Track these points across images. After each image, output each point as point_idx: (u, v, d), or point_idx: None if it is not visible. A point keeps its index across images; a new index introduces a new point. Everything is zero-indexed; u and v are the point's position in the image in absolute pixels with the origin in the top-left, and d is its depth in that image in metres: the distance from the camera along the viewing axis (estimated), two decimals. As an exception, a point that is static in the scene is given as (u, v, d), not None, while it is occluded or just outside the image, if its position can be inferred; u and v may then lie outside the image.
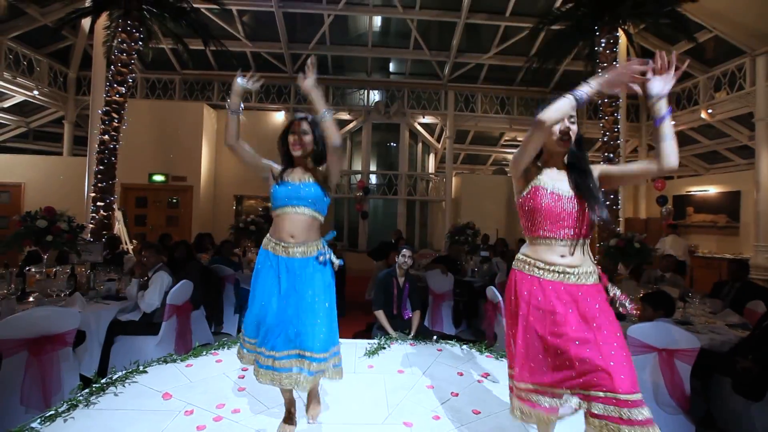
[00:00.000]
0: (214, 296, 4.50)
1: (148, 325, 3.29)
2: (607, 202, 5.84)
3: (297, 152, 1.77)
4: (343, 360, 1.79)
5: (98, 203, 5.54)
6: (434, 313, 4.86)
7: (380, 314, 3.48)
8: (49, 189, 8.82)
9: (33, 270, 3.58)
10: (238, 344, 1.80)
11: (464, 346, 3.09)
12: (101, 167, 5.60)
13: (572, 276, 1.41)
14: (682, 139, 10.34)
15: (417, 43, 9.30)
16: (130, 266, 4.33)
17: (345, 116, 10.50)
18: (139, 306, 3.34)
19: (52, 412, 1.88)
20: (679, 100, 9.29)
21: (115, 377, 2.26)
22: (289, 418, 1.82)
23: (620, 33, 6.04)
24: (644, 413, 1.22)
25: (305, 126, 1.77)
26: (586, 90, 1.33)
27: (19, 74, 8.21)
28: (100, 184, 5.59)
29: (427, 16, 8.73)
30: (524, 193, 1.49)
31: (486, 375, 2.57)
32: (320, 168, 1.82)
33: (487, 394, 2.31)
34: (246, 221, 5.78)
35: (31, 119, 10.04)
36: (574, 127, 1.46)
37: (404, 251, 3.64)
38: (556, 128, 1.45)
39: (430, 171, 11.27)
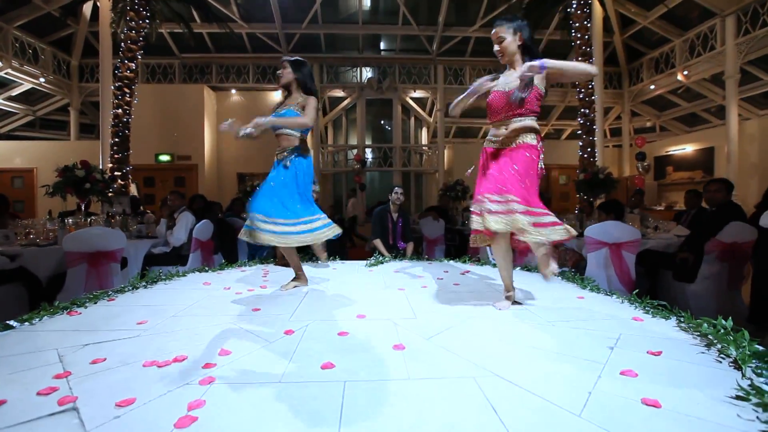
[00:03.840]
0: (230, 245, 5.01)
1: (178, 256, 3.81)
2: (585, 155, 6.34)
3: (282, 81, 2.46)
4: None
5: (116, 173, 6.00)
6: (428, 257, 5.39)
7: (377, 242, 4.00)
8: (61, 172, 9.25)
9: (71, 220, 4.07)
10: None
11: (450, 261, 3.61)
12: (116, 140, 6.05)
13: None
14: (663, 103, 10.82)
15: (406, 19, 9.68)
16: (153, 221, 4.82)
17: (339, 93, 10.91)
18: (168, 242, 3.85)
19: (120, 287, 2.38)
20: (657, 64, 9.73)
21: (162, 276, 2.76)
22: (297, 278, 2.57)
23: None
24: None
25: (285, 64, 2.46)
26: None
27: (26, 62, 8.59)
28: (116, 156, 6.05)
29: (415, -9, 9.10)
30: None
31: (467, 271, 3.09)
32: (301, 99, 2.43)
33: (467, 277, 2.84)
34: (253, 185, 6.25)
35: (37, 107, 10.41)
36: (497, 47, 1.98)
37: (396, 189, 4.16)
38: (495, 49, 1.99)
39: (423, 143, 11.72)
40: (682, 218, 4.65)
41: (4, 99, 9.49)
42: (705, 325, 1.49)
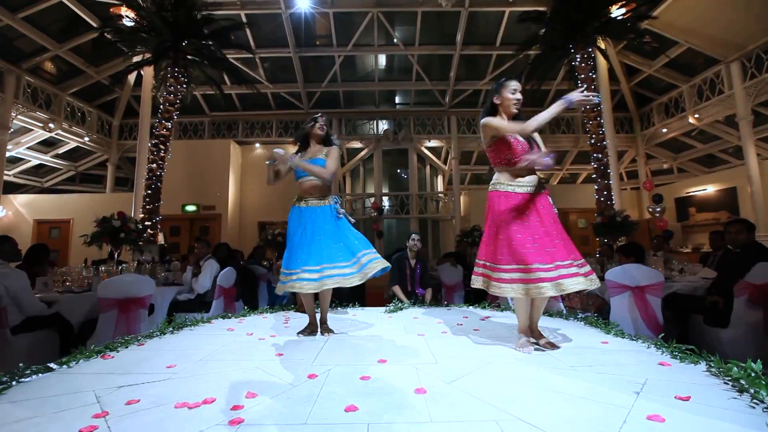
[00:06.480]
0: (251, 292, 5.11)
1: (201, 303, 3.91)
2: (602, 198, 6.35)
3: (321, 132, 2.66)
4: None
5: (146, 222, 6.33)
6: (447, 303, 5.32)
7: (396, 288, 4.02)
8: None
9: (103, 268, 4.29)
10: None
11: (470, 307, 3.59)
12: (149, 192, 6.46)
13: (531, 188, 2.07)
14: (678, 145, 10.86)
15: (419, 75, 10.33)
16: (178, 269, 5.01)
17: (357, 145, 11.43)
18: (193, 288, 3.98)
19: (149, 333, 2.47)
20: (667, 108, 9.92)
21: (188, 322, 2.85)
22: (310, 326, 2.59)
23: (595, 50, 6.82)
24: None
25: (323, 120, 2.70)
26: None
27: (74, 124, 9.48)
28: (148, 207, 6.42)
29: (426, 51, 9.79)
30: (493, 140, 2.15)
31: (487, 317, 3.06)
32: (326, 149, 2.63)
33: (487, 322, 2.81)
34: (273, 233, 6.45)
35: (79, 163, 11.27)
36: (519, 96, 2.17)
37: (413, 236, 4.24)
38: (513, 97, 2.14)
39: (439, 191, 11.94)
40: (709, 260, 4.52)
41: (51, 156, 10.36)
42: (735, 369, 1.45)
